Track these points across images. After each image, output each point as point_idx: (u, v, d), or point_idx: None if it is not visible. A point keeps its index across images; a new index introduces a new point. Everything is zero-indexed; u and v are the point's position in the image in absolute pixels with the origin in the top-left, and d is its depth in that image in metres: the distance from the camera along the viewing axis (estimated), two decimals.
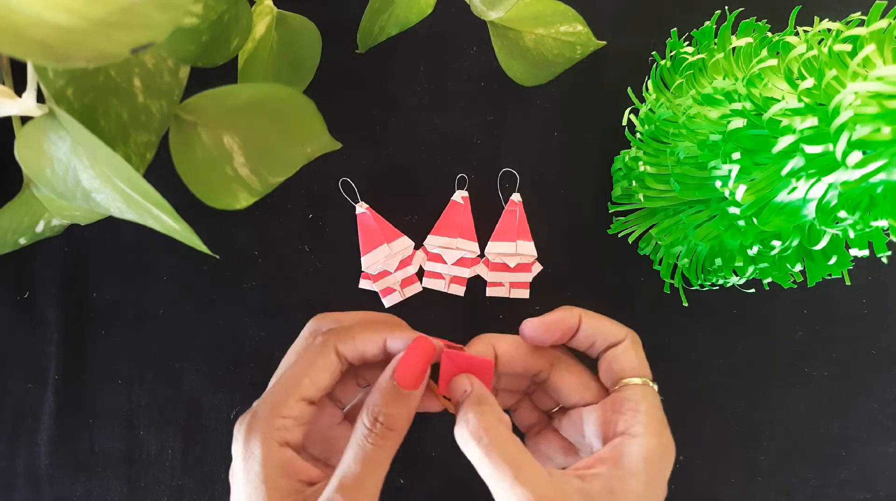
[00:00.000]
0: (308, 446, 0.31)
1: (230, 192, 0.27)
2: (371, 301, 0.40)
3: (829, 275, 0.33)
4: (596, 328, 0.32)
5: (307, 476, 0.29)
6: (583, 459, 0.30)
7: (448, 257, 0.40)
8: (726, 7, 0.38)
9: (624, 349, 0.32)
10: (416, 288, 0.40)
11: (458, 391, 0.30)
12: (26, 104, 0.24)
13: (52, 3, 0.16)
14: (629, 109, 0.38)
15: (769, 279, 0.35)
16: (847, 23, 0.27)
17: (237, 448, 0.29)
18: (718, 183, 0.29)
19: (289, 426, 0.29)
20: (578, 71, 0.39)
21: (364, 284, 0.40)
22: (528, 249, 0.40)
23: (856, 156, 0.22)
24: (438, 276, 0.40)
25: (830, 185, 0.26)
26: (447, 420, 0.33)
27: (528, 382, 0.35)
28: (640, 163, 0.34)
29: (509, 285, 0.40)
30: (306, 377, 0.30)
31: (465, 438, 0.28)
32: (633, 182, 0.36)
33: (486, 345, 0.32)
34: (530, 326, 0.32)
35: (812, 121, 0.24)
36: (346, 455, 0.28)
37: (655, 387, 0.31)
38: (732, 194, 0.28)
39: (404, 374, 0.29)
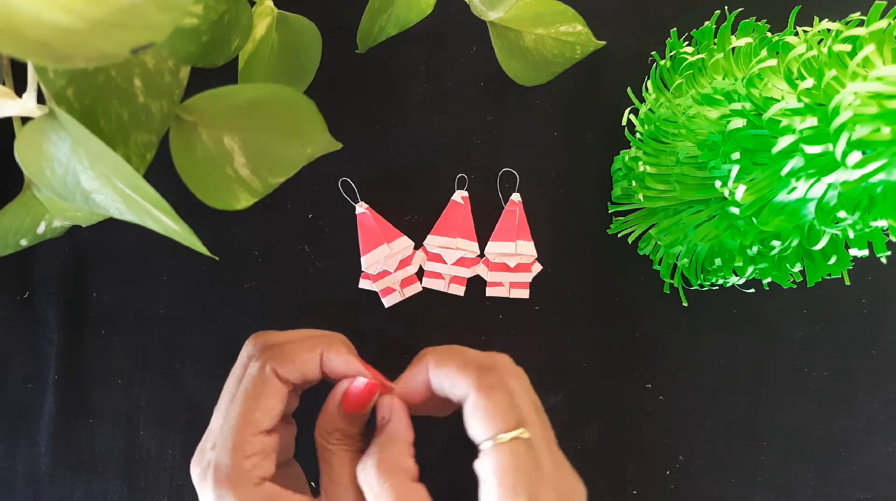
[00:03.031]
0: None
1: (230, 192, 0.27)
2: (371, 301, 0.40)
3: (829, 275, 0.33)
4: (440, 383, 0.29)
5: None
6: None
7: (448, 257, 0.40)
8: (726, 7, 0.38)
9: (470, 409, 0.27)
10: (415, 288, 0.40)
11: (378, 416, 0.30)
12: (26, 105, 0.24)
13: (52, 3, 0.16)
14: (629, 109, 0.38)
15: (769, 279, 0.35)
16: (847, 23, 0.27)
17: None
18: (718, 183, 0.29)
19: (258, 462, 0.28)
20: (578, 71, 0.39)
21: (364, 284, 0.40)
22: (527, 249, 0.40)
23: (855, 156, 0.22)
24: (438, 276, 0.40)
25: (830, 185, 0.26)
26: (448, 422, 0.33)
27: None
28: (640, 163, 0.34)
29: (509, 285, 0.40)
30: (257, 410, 0.28)
31: (368, 479, 0.28)
32: (633, 182, 0.36)
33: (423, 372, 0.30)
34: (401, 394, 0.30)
35: (812, 121, 0.24)
36: (328, 476, 0.29)
37: (523, 434, 0.27)
38: (732, 194, 0.28)
39: (350, 406, 0.30)
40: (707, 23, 0.35)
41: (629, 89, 0.39)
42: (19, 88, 0.25)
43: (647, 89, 0.37)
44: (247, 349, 0.31)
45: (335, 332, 0.32)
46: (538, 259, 0.40)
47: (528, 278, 0.40)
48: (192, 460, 0.29)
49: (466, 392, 0.28)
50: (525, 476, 0.26)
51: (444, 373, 0.29)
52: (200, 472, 0.28)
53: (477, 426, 0.27)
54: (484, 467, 0.27)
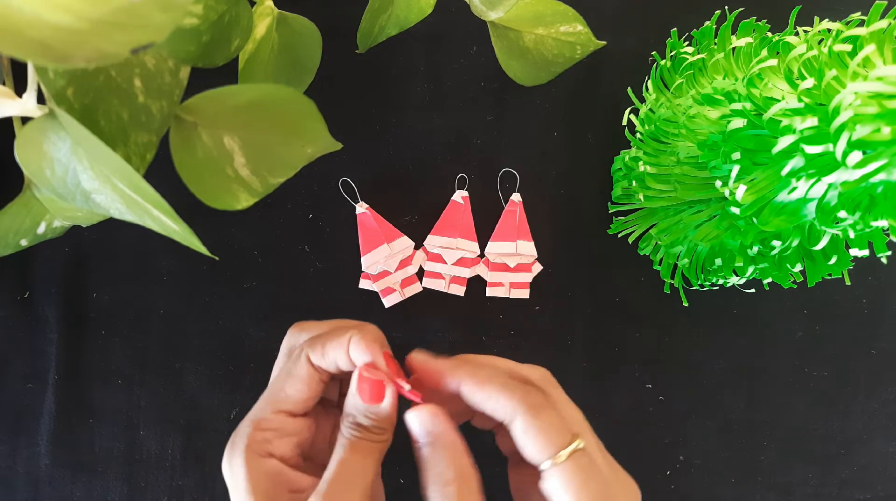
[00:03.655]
0: (314, 456, 0.31)
1: (230, 192, 0.27)
2: (371, 301, 0.40)
3: (829, 275, 0.33)
4: (480, 403, 0.27)
5: (298, 485, 0.28)
6: None
7: (448, 257, 0.40)
8: (726, 7, 0.38)
9: (522, 431, 0.26)
10: (416, 288, 0.40)
11: (421, 432, 0.28)
12: (26, 105, 0.24)
13: (52, 3, 0.16)
14: (629, 109, 0.38)
15: (769, 279, 0.35)
16: (847, 23, 0.27)
17: (224, 466, 0.28)
18: (719, 183, 0.29)
19: (269, 438, 0.28)
20: (578, 71, 0.39)
21: (364, 284, 0.40)
22: (528, 249, 0.40)
23: (856, 156, 0.22)
24: (438, 276, 0.40)
25: (830, 185, 0.26)
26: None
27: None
28: (640, 163, 0.34)
29: (509, 285, 0.40)
30: (282, 390, 0.29)
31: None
32: (633, 182, 0.36)
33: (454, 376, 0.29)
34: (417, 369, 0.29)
35: (812, 121, 0.24)
36: (330, 461, 0.28)
37: (580, 445, 0.27)
38: (732, 194, 0.28)
39: (364, 393, 0.28)
40: (707, 23, 0.35)
41: (629, 89, 0.39)
42: (19, 88, 0.25)
43: (647, 89, 0.37)
44: (287, 337, 0.31)
45: (370, 323, 0.31)
46: (538, 259, 0.40)
47: (528, 278, 0.40)
48: None
49: (514, 415, 0.27)
50: (598, 487, 0.26)
51: (486, 394, 0.27)
52: (231, 437, 0.29)
53: (533, 448, 0.26)
54: (554, 488, 0.26)
